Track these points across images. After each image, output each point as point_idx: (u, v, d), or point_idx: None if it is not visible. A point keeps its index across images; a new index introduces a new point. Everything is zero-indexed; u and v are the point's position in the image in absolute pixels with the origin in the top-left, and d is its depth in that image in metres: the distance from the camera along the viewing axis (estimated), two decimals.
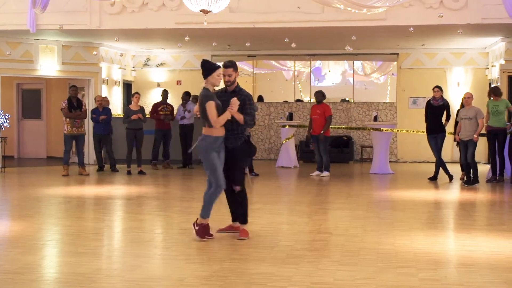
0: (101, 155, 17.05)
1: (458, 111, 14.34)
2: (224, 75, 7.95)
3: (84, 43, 18.73)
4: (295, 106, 21.11)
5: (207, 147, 7.72)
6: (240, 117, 7.78)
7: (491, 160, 14.67)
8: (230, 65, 8.01)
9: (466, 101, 13.98)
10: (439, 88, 14.84)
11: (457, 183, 14.37)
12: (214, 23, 14.89)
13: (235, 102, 7.68)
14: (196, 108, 8.25)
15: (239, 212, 8.16)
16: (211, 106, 7.65)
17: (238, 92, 7.97)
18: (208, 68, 7.87)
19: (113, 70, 20.08)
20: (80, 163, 16.05)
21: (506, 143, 14.28)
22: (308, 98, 22.65)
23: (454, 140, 14.64)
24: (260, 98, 21.73)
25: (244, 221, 8.13)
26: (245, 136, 8.01)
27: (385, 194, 12.87)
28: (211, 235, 7.83)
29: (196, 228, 7.78)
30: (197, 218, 7.87)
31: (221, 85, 8.19)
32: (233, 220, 8.29)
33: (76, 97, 16.10)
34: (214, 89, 8.03)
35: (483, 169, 16.87)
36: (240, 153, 7.94)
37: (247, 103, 7.87)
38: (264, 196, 12.86)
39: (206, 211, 7.85)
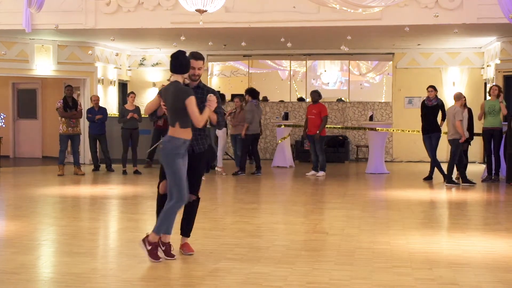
0: (96, 155, 17.03)
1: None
2: (193, 68, 6.89)
3: (80, 43, 18.71)
4: (291, 106, 21.12)
5: (172, 151, 6.67)
6: (214, 117, 6.91)
7: (486, 160, 14.69)
8: (201, 57, 6.97)
9: (464, 101, 14.07)
10: (432, 87, 14.85)
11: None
12: (209, 23, 14.88)
13: (214, 99, 6.75)
14: (153, 105, 7.03)
15: (184, 223, 7.09)
16: (193, 103, 6.63)
17: (203, 87, 6.99)
18: (187, 62, 6.80)
19: (109, 69, 20.06)
20: (76, 162, 16.03)
21: (502, 143, 14.33)
22: (304, 97, 22.69)
23: (470, 139, 14.56)
24: (265, 99, 21.73)
25: (188, 234, 7.12)
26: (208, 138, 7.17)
27: (380, 194, 12.88)
28: (159, 258, 6.71)
29: (148, 248, 6.70)
30: (147, 235, 6.78)
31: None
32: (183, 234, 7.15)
33: (71, 96, 16.11)
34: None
35: (479, 168, 16.91)
36: (205, 158, 7.05)
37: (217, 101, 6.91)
38: (260, 195, 12.87)
39: (161, 227, 6.73)
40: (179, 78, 6.75)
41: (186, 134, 6.71)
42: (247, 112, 16.04)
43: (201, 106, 6.72)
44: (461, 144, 13.78)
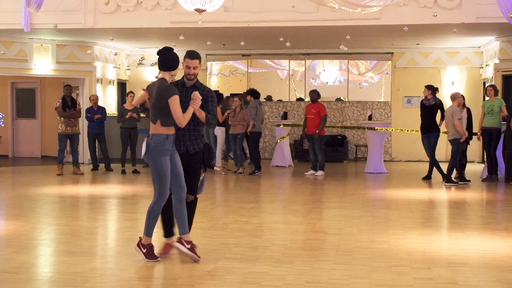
0: (95, 154, 17.02)
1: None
2: (189, 67, 6.81)
3: (79, 42, 18.70)
4: (290, 105, 21.12)
5: (156, 147, 6.57)
6: (202, 115, 6.74)
7: (486, 160, 14.69)
8: (197, 56, 6.86)
9: (462, 100, 14.04)
10: (426, 87, 14.85)
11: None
12: (208, 22, 14.88)
13: (198, 96, 6.61)
14: (140, 99, 6.94)
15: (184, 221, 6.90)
16: (176, 102, 6.53)
17: (199, 87, 6.89)
18: (174, 58, 6.72)
19: (108, 69, 20.05)
20: (75, 162, 16.02)
21: (500, 142, 14.34)
22: (303, 97, 22.69)
23: (469, 139, 14.50)
24: (269, 98, 21.73)
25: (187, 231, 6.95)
26: (203, 138, 7.10)
27: (379, 193, 12.88)
28: (157, 257, 6.74)
29: (144, 250, 6.71)
30: (141, 238, 6.80)
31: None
32: (166, 235, 7.10)
33: (70, 96, 16.11)
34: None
35: (478, 168, 16.91)
36: (201, 158, 6.96)
37: (210, 100, 6.89)
38: (259, 195, 12.87)
39: (150, 228, 6.79)
40: (166, 75, 6.67)
41: (168, 131, 6.60)
42: (251, 109, 16.07)
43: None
44: (462, 143, 13.79)
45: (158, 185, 6.66)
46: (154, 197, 6.73)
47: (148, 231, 6.76)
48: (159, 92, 6.59)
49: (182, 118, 6.56)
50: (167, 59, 6.68)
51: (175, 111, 6.52)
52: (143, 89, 6.87)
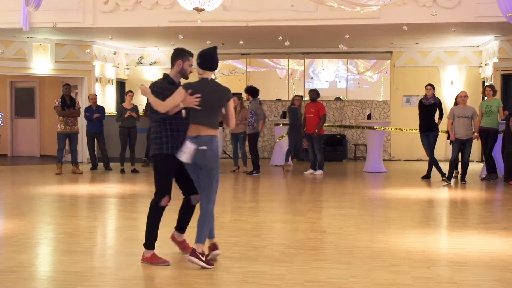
0: (94, 153, 17.02)
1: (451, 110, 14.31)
2: (191, 65, 6.70)
3: (78, 41, 18.69)
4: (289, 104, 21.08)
5: (218, 152, 6.56)
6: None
7: (485, 159, 14.70)
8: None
9: (464, 100, 13.97)
10: (431, 86, 14.84)
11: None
12: (207, 21, 14.88)
13: None
14: (180, 98, 6.34)
15: (186, 223, 7.09)
16: (232, 103, 6.64)
17: None
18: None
19: (107, 68, 20.04)
20: (74, 161, 16.02)
21: (499, 142, 14.35)
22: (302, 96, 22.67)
23: (448, 138, 14.56)
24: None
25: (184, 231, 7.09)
26: None
27: (378, 193, 12.88)
28: (212, 264, 6.46)
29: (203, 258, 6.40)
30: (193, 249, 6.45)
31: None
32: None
33: (69, 95, 16.09)
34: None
35: (476, 167, 16.91)
36: None
37: None
38: (258, 194, 12.87)
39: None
40: (210, 75, 6.54)
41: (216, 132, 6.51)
42: (258, 109, 16.08)
43: None
44: (453, 142, 13.87)
45: (214, 190, 6.71)
46: (207, 202, 6.70)
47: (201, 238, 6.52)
48: (220, 94, 6.48)
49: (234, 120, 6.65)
50: (215, 59, 6.52)
51: (233, 113, 6.59)
52: (182, 87, 6.39)
